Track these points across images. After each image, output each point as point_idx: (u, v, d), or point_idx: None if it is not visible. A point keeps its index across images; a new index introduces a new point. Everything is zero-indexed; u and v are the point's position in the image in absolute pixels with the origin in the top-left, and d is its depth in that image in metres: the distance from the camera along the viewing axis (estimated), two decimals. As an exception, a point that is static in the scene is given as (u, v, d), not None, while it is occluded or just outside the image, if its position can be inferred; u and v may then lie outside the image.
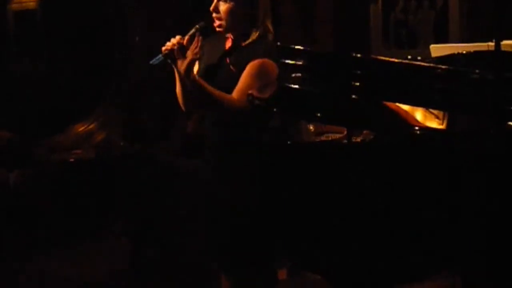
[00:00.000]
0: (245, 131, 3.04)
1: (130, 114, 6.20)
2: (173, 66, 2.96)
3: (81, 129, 6.15)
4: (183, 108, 3.11)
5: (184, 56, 2.92)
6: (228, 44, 3.09)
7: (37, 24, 6.53)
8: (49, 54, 6.47)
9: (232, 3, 2.99)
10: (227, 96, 2.93)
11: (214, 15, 3.03)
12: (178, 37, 2.94)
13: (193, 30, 2.98)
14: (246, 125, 3.02)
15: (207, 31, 3.04)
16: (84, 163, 5.76)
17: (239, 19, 3.03)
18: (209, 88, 2.93)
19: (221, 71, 3.04)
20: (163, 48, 2.93)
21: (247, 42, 3.05)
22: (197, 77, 2.93)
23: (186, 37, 2.94)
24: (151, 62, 2.94)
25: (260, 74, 2.97)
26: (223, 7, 3.01)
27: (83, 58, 6.34)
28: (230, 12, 3.00)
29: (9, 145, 5.65)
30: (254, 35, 3.05)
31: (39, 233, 5.15)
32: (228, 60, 3.04)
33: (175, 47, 2.91)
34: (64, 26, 6.39)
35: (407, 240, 2.96)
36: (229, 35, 3.09)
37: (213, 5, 3.04)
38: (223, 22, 3.02)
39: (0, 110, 5.93)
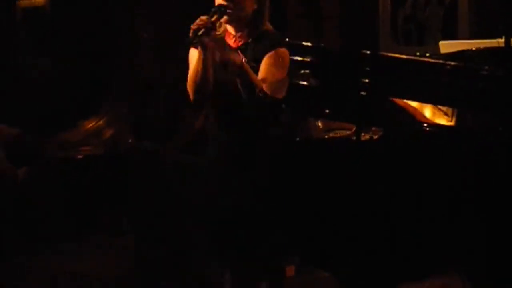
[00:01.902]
0: (255, 127, 3.05)
1: (139, 111, 6.20)
2: (200, 47, 2.95)
3: (89, 125, 6.14)
4: (194, 95, 3.07)
5: (211, 36, 2.93)
6: (231, 42, 3.10)
7: (45, 20, 6.53)
8: (58, 51, 6.47)
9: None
10: (260, 82, 2.96)
11: (229, 5, 3.02)
12: (204, 17, 2.94)
13: (214, 9, 2.98)
14: (256, 121, 3.03)
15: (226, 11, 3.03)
16: (93, 159, 5.76)
17: (250, 14, 3.08)
18: (252, 74, 2.96)
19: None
20: (193, 26, 2.91)
21: (255, 36, 3.09)
22: (245, 63, 2.95)
23: (215, 16, 2.95)
24: (186, 41, 2.93)
25: (280, 62, 3.06)
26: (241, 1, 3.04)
27: (91, 54, 6.34)
28: (246, 7, 3.03)
29: (18, 141, 5.65)
30: (261, 29, 3.09)
31: (46, 229, 5.16)
32: (244, 58, 3.05)
33: (208, 25, 2.91)
34: (72, 23, 6.38)
35: (416, 238, 2.95)
36: (231, 34, 3.10)
37: None
38: (240, 14, 3.04)
39: (8, 106, 5.94)
